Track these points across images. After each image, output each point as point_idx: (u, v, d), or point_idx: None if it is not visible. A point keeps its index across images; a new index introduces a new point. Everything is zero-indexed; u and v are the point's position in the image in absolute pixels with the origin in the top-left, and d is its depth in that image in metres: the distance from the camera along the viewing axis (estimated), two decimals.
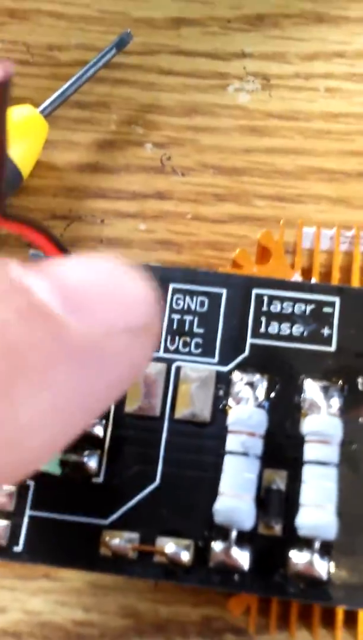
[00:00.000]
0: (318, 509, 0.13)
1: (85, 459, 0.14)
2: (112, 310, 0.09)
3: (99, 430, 0.14)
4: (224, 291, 0.15)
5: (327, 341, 0.14)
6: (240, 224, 0.17)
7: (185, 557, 0.13)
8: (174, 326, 0.15)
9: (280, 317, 0.15)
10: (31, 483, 0.14)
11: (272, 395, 0.14)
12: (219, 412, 0.14)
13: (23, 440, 0.08)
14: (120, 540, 0.13)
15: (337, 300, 0.15)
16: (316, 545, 0.13)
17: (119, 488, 0.14)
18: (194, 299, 0.15)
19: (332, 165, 0.18)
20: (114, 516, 0.14)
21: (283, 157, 0.18)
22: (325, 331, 0.14)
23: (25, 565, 0.15)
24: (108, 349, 0.09)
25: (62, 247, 0.12)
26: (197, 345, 0.14)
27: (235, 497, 0.13)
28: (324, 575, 0.13)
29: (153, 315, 0.10)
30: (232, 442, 0.13)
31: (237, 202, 0.18)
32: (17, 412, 0.08)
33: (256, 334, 0.14)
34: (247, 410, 0.14)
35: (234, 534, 0.13)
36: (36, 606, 0.15)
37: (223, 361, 0.14)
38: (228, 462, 0.13)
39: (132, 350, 0.09)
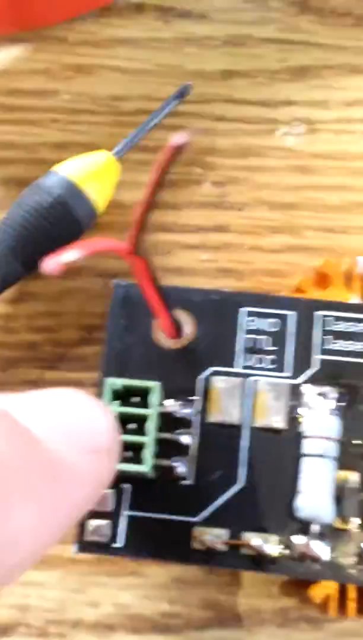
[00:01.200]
0: None
1: (175, 464, 0.15)
2: (82, 436, 0.11)
3: (185, 439, 0.16)
4: (292, 313, 0.17)
5: None
6: (292, 253, 0.19)
7: (269, 549, 0.15)
8: (249, 345, 0.16)
9: (344, 335, 0.16)
10: (129, 486, 0.15)
11: (342, 404, 0.16)
12: (293, 419, 0.16)
13: (18, 542, 0.10)
14: (210, 536, 0.15)
15: None
16: None
17: (206, 489, 0.15)
18: (266, 320, 0.16)
19: None
20: (204, 514, 0.15)
21: (329, 193, 0.20)
22: None
23: (115, 563, 0.17)
24: (80, 469, 0.11)
25: (160, 287, 0.14)
26: (270, 362, 0.16)
27: (316, 494, 0.15)
28: None
29: (114, 439, 0.12)
30: (309, 446, 0.15)
31: (290, 234, 0.20)
32: (12, 518, 0.09)
33: (323, 350, 0.16)
34: (322, 417, 0.15)
35: (314, 528, 0.15)
36: (126, 600, 0.17)
37: (295, 375, 0.16)
38: (307, 463, 0.15)
39: (99, 469, 0.11)
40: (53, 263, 0.11)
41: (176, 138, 0.10)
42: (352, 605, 0.15)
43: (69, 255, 0.11)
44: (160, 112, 0.19)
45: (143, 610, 0.17)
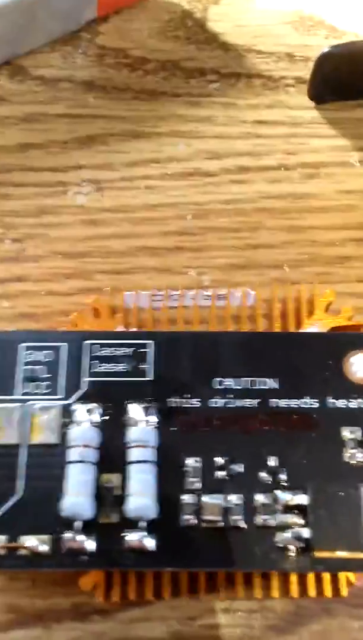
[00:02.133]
0: (140, 495, 0.17)
1: None
2: None
3: None
4: (64, 344, 0.19)
5: (145, 373, 0.19)
6: (85, 295, 0.22)
7: (42, 547, 0.17)
8: (28, 374, 0.19)
9: (108, 359, 0.19)
10: None
11: (106, 417, 0.19)
12: (65, 435, 0.18)
13: None
14: None
15: (151, 342, 0.19)
16: (143, 524, 0.17)
17: None
18: (42, 352, 0.19)
19: (155, 244, 0.23)
20: None
21: (116, 241, 0.23)
22: (144, 365, 0.19)
23: None
24: None
25: None
26: (47, 387, 0.19)
27: (75, 494, 0.17)
28: (151, 547, 0.17)
29: None
30: (71, 454, 0.18)
31: (82, 278, 0.23)
32: None
33: (91, 373, 0.19)
34: (82, 429, 0.18)
35: (77, 524, 0.17)
36: None
37: (67, 396, 0.19)
38: (70, 469, 0.18)
39: None
40: None
41: None
42: (116, 589, 0.18)
43: None
44: None
45: None
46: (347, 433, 0.18)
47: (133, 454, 0.18)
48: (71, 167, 0.24)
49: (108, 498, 0.18)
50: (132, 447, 0.18)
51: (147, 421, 0.18)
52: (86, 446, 0.18)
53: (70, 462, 0.18)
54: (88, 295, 0.22)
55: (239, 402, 0.19)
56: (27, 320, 0.22)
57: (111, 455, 0.18)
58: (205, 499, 0.18)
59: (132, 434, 0.18)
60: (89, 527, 0.17)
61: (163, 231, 0.23)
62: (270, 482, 0.18)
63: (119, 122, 0.25)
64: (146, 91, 0.26)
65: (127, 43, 0.26)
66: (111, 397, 0.19)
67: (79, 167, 0.24)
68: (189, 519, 0.18)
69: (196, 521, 0.18)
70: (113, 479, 0.18)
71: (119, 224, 0.23)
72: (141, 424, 0.18)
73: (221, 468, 0.18)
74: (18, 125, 0.25)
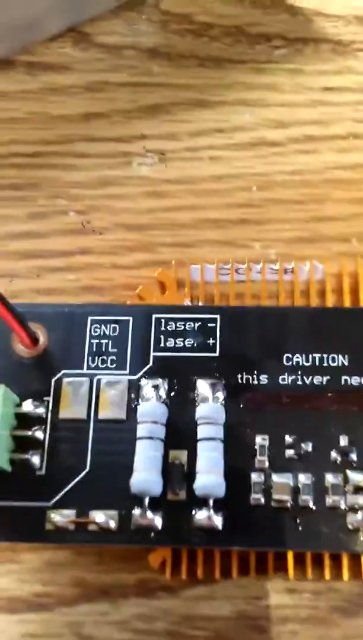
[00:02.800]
0: (209, 473, 0.17)
1: (30, 457, 0.18)
2: None
3: (39, 435, 0.18)
4: (131, 318, 0.19)
5: (212, 348, 0.19)
6: (149, 268, 0.22)
7: (112, 523, 0.17)
8: (94, 348, 0.19)
9: (175, 334, 0.19)
10: None
11: (172, 394, 0.18)
12: (132, 410, 0.18)
13: None
14: (59, 517, 0.17)
15: (217, 316, 0.19)
16: (211, 502, 0.17)
17: (58, 477, 0.18)
18: (108, 326, 0.19)
19: (219, 216, 0.23)
20: (55, 498, 0.17)
21: (180, 213, 0.23)
22: (211, 341, 0.19)
23: None
24: None
25: (7, 303, 0.17)
26: (112, 362, 0.19)
27: (145, 471, 0.17)
28: (220, 525, 0.17)
29: None
30: (141, 430, 0.18)
31: (145, 251, 0.22)
32: None
33: (157, 348, 0.19)
34: (151, 405, 0.18)
35: (146, 500, 0.17)
36: (3, 584, 0.19)
37: (133, 371, 0.19)
38: (139, 445, 0.17)
39: None
40: None
41: None
42: (184, 567, 0.17)
43: None
44: None
45: (18, 592, 0.19)
46: None
47: (202, 431, 0.17)
48: (134, 137, 0.24)
49: (176, 475, 0.17)
50: (202, 424, 0.18)
51: (215, 397, 0.18)
52: (154, 422, 0.17)
53: (139, 439, 0.17)
54: (152, 268, 0.22)
55: (308, 380, 0.18)
56: (92, 294, 0.22)
57: (178, 432, 0.18)
58: (274, 477, 0.17)
59: (201, 410, 0.18)
60: (156, 504, 0.17)
61: (227, 203, 0.23)
62: (340, 462, 0.18)
63: (183, 90, 0.24)
64: (211, 58, 0.25)
65: (192, 8, 0.25)
66: (178, 373, 0.18)
67: (143, 137, 0.24)
68: (257, 498, 0.17)
69: (264, 500, 0.17)
70: (180, 455, 0.18)
71: (183, 195, 0.23)
72: (210, 400, 0.18)
73: (290, 447, 0.18)
74: (81, 95, 0.24)
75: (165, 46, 0.25)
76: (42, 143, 0.23)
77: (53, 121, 0.24)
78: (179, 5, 0.25)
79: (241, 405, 0.18)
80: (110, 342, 0.19)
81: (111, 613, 0.19)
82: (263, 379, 0.18)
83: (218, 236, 0.22)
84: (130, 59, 0.25)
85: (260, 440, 0.18)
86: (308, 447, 0.18)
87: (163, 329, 0.19)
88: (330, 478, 0.17)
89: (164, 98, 0.24)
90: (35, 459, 0.18)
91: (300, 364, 0.18)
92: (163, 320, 0.19)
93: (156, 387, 0.18)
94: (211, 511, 0.17)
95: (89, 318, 0.19)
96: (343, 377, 0.18)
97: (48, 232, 0.22)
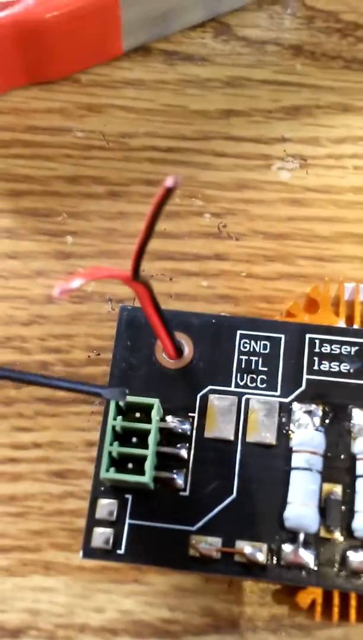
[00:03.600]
0: None
1: (173, 476, 0.17)
2: None
3: (184, 453, 0.17)
4: (282, 336, 0.18)
5: None
6: (286, 281, 0.21)
7: (260, 556, 0.16)
8: (243, 365, 0.18)
9: (330, 357, 0.18)
10: (129, 497, 0.17)
11: (327, 421, 0.17)
12: (283, 435, 0.17)
13: None
14: (205, 544, 0.16)
15: None
16: None
17: (202, 500, 0.17)
18: (259, 342, 0.18)
19: (360, 230, 0.21)
20: (200, 523, 0.16)
21: (320, 224, 0.21)
22: None
23: (118, 571, 0.18)
24: None
25: (160, 310, 0.15)
26: (262, 381, 0.18)
27: (303, 505, 0.16)
28: None
29: None
30: (298, 460, 0.16)
31: (283, 262, 0.21)
32: None
33: (310, 371, 0.17)
34: (309, 433, 0.17)
35: (301, 536, 0.16)
36: (129, 606, 0.18)
37: (284, 394, 0.17)
38: (295, 476, 0.16)
39: None
40: (60, 289, 0.12)
41: (168, 181, 0.12)
42: (335, 611, 0.16)
43: (75, 282, 0.12)
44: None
45: (144, 616, 0.18)
46: None
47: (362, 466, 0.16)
48: (274, 139, 0.22)
49: (333, 512, 0.16)
50: (362, 459, 0.16)
51: None
52: (313, 453, 0.16)
53: (295, 469, 0.16)
54: (291, 281, 0.21)
55: None
56: (226, 303, 0.20)
57: (333, 464, 0.17)
58: None
59: (362, 444, 0.16)
60: (308, 540, 0.16)
61: None
62: None
63: (327, 93, 0.23)
64: (358, 60, 0.23)
65: (339, 6, 0.24)
66: (332, 400, 0.17)
67: (284, 139, 0.22)
68: None
69: None
70: (335, 489, 0.16)
71: (324, 205, 0.22)
72: None
73: None
74: (221, 89, 0.23)
75: (310, 44, 0.23)
76: (178, 138, 0.22)
77: (190, 115, 0.23)
78: (326, 1, 0.24)
79: None
80: (260, 359, 0.18)
81: None
82: None
83: (361, 252, 0.21)
84: (272, 55, 0.23)
85: None
86: None
87: (316, 350, 0.18)
88: None
89: (307, 100, 0.23)
90: (179, 479, 0.17)
91: None
92: (317, 341, 0.18)
93: (309, 413, 0.17)
94: None
95: (238, 332, 0.18)
96: None
97: (182, 233, 0.21)
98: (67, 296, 0.12)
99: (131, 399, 0.16)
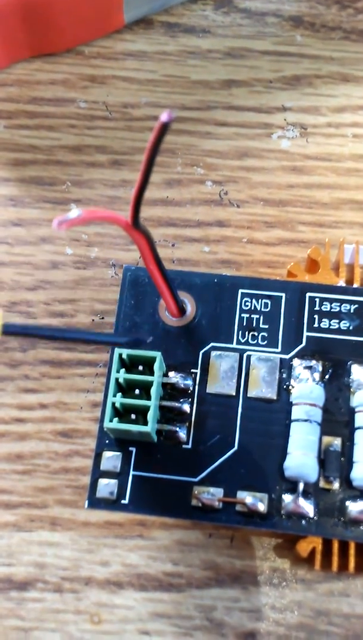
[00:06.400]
0: None
1: (176, 429, 0.17)
2: None
3: (186, 407, 0.17)
4: (283, 295, 0.18)
5: None
6: (286, 246, 0.21)
7: (261, 506, 0.16)
8: (244, 323, 0.18)
9: (330, 315, 0.18)
10: (133, 449, 0.17)
11: (326, 377, 0.17)
12: (283, 391, 0.17)
13: None
14: (207, 494, 0.16)
15: None
16: None
17: (205, 452, 0.17)
18: (260, 301, 0.18)
19: (361, 197, 0.22)
20: (202, 475, 0.17)
21: (320, 191, 0.22)
22: None
23: (123, 526, 0.18)
24: None
25: (161, 264, 0.16)
26: (263, 338, 0.18)
27: (302, 454, 0.16)
28: None
29: None
30: (297, 412, 0.17)
31: (284, 228, 0.21)
32: None
33: (311, 328, 0.18)
34: (309, 386, 0.17)
35: (301, 486, 0.16)
36: (133, 560, 0.18)
37: (285, 350, 0.18)
38: (295, 427, 0.17)
39: None
40: (60, 220, 0.12)
41: (163, 116, 0.12)
42: (335, 559, 0.16)
43: (73, 212, 0.13)
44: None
45: (148, 570, 0.18)
46: None
47: (361, 419, 0.17)
48: (275, 109, 0.23)
49: (332, 463, 0.16)
50: (361, 411, 0.17)
51: None
52: (312, 405, 0.17)
53: (295, 421, 0.17)
54: (291, 247, 0.21)
55: None
56: (228, 268, 0.21)
57: (332, 417, 0.17)
58: None
59: (361, 397, 0.17)
60: (308, 490, 0.16)
61: None
62: None
63: (327, 63, 0.23)
64: (357, 31, 0.24)
65: None
66: (332, 356, 0.17)
67: (284, 109, 0.23)
68: None
69: None
70: (334, 442, 0.17)
71: (323, 173, 0.22)
72: None
73: None
74: (222, 60, 0.23)
75: (309, 15, 0.24)
76: (180, 108, 0.23)
77: (192, 86, 0.23)
78: None
79: None
80: (261, 317, 0.18)
81: (241, 600, 0.18)
82: None
83: (360, 218, 0.21)
84: (273, 27, 0.24)
85: None
86: None
87: (316, 308, 0.18)
88: None
89: (307, 70, 0.23)
90: (182, 432, 0.17)
91: None
92: (317, 300, 0.18)
93: (309, 369, 0.17)
94: None
95: (240, 291, 0.18)
96: None
97: (185, 200, 0.22)
98: (66, 228, 0.13)
99: (134, 352, 0.16)
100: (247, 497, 0.16)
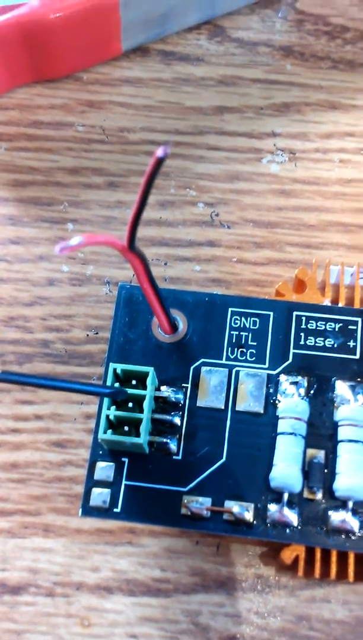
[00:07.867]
0: (351, 475, 0.17)
1: (167, 441, 0.18)
2: None
3: (177, 420, 0.18)
4: (271, 313, 0.19)
5: (352, 351, 0.19)
6: (275, 266, 0.22)
7: (248, 515, 0.17)
8: (233, 340, 0.19)
9: (316, 333, 0.19)
10: (126, 460, 0.18)
11: (311, 392, 0.18)
12: (270, 405, 0.18)
13: None
14: (196, 503, 0.17)
15: (359, 320, 0.19)
16: (350, 505, 0.17)
17: (194, 463, 0.18)
18: (249, 319, 0.19)
19: (347, 220, 0.23)
20: (191, 484, 0.17)
21: (307, 214, 0.23)
22: (351, 343, 0.19)
23: (113, 534, 0.19)
24: None
25: (155, 284, 0.17)
26: (251, 355, 0.19)
27: (287, 466, 0.17)
28: (356, 530, 0.17)
29: None
30: (283, 426, 0.18)
31: (272, 249, 0.22)
32: None
33: (297, 345, 0.19)
34: (294, 401, 0.18)
35: (286, 496, 0.17)
36: (123, 566, 0.19)
37: (272, 366, 0.19)
38: (280, 440, 0.17)
39: None
40: (61, 246, 0.13)
41: (159, 152, 0.13)
42: (317, 566, 0.17)
43: (74, 240, 0.13)
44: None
45: (137, 576, 0.19)
46: None
47: (344, 432, 0.17)
48: (265, 134, 0.24)
49: (316, 474, 0.17)
50: (343, 425, 0.17)
51: (356, 400, 0.18)
52: (297, 419, 0.17)
53: (280, 434, 0.17)
54: (279, 266, 0.22)
55: None
56: (218, 287, 0.22)
57: (317, 431, 0.18)
58: None
59: (344, 412, 0.18)
60: (292, 501, 0.17)
61: (356, 208, 0.23)
62: None
63: (315, 91, 0.24)
64: (345, 61, 0.25)
65: (328, 10, 0.25)
66: (317, 372, 0.18)
67: (274, 134, 0.24)
68: None
69: None
70: (318, 454, 0.18)
71: (311, 196, 0.23)
72: (352, 402, 0.18)
73: None
74: (215, 87, 0.24)
75: (299, 45, 0.25)
76: (174, 133, 0.24)
77: (186, 112, 0.24)
78: (316, 6, 0.25)
79: None
80: (250, 334, 0.19)
81: (226, 605, 0.18)
82: None
83: (346, 240, 0.22)
84: (264, 56, 0.25)
85: None
86: None
87: (303, 326, 0.19)
88: None
89: (296, 97, 0.24)
90: (173, 444, 0.18)
91: None
92: (303, 318, 0.19)
93: (295, 384, 0.18)
94: (350, 513, 0.17)
95: (230, 309, 0.19)
96: None
97: (177, 221, 0.22)
98: (66, 254, 0.13)
99: (127, 366, 0.17)
100: (234, 507, 0.17)
